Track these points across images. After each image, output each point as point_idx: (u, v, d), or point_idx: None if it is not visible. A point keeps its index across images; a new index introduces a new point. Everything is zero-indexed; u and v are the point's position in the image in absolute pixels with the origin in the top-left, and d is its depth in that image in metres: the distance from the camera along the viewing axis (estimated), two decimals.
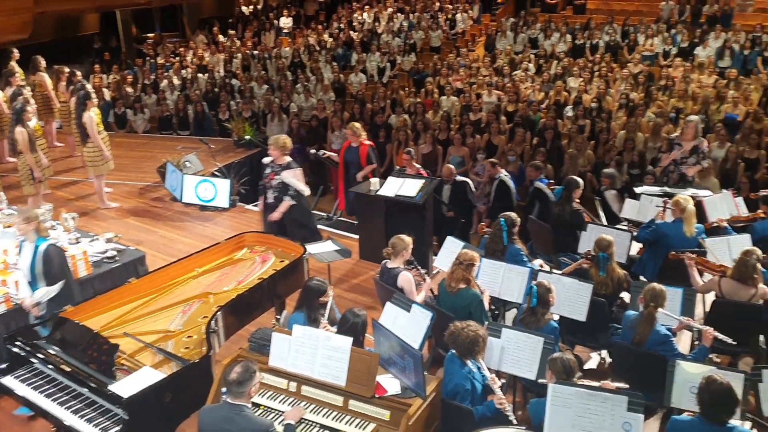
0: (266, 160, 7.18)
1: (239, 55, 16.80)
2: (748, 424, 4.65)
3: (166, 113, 13.33)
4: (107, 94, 14.00)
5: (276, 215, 7.07)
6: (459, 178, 8.87)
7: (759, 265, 5.30)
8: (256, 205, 8.16)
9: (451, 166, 8.97)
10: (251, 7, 21.58)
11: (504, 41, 16.79)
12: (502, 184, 8.69)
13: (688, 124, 8.11)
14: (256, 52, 17.18)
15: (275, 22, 19.96)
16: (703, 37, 14.81)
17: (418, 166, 8.57)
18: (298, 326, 4.39)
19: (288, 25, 19.97)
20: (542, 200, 8.03)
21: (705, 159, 8.14)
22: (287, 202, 6.99)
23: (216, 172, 9.90)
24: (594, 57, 15.00)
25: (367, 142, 8.75)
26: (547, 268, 6.72)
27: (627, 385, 4.33)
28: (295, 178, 7.03)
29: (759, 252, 5.32)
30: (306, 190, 7.17)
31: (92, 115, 8.69)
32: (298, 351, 4.32)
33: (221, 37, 18.74)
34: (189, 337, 4.87)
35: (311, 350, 4.28)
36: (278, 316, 5.68)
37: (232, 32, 18.91)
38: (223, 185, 9.33)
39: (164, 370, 4.38)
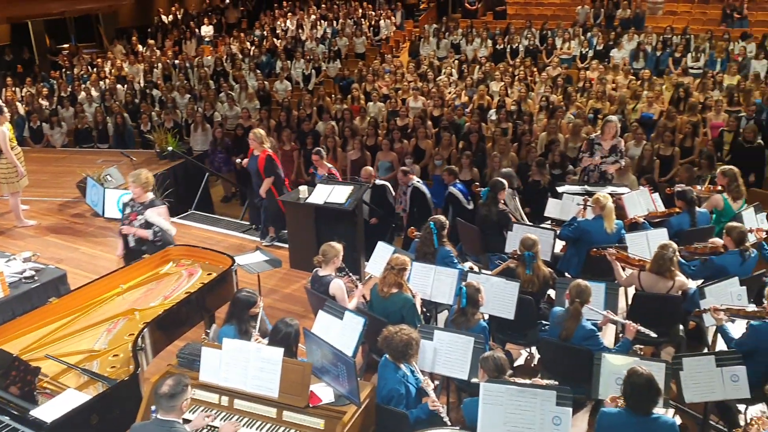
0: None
1: (160, 64, 16.45)
2: (671, 412, 4.86)
3: (85, 126, 12.88)
4: (21, 108, 13.45)
5: (130, 230, 6.25)
6: (379, 181, 8.92)
7: (675, 258, 5.53)
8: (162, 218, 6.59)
9: (370, 168, 8.94)
10: (171, 15, 21.12)
11: (427, 47, 17.03)
12: (417, 191, 8.83)
13: (608, 124, 8.34)
14: (177, 61, 16.85)
15: (196, 30, 19.63)
16: (618, 40, 15.45)
17: (329, 165, 8.60)
18: (228, 339, 4.33)
19: (209, 33, 19.68)
20: (455, 204, 8.20)
21: (623, 157, 8.45)
22: (145, 232, 6.20)
23: None
24: (514, 61, 15.39)
25: (268, 152, 8.17)
26: (476, 269, 6.84)
27: (556, 382, 4.43)
28: (160, 216, 6.29)
29: (675, 245, 5.54)
30: (172, 230, 6.45)
31: (4, 131, 8.32)
32: (229, 364, 4.25)
33: (140, 47, 18.31)
34: (115, 355, 4.72)
35: (242, 363, 4.22)
36: (208, 330, 5.56)
37: (151, 42, 18.47)
38: None
39: (90, 392, 4.24)
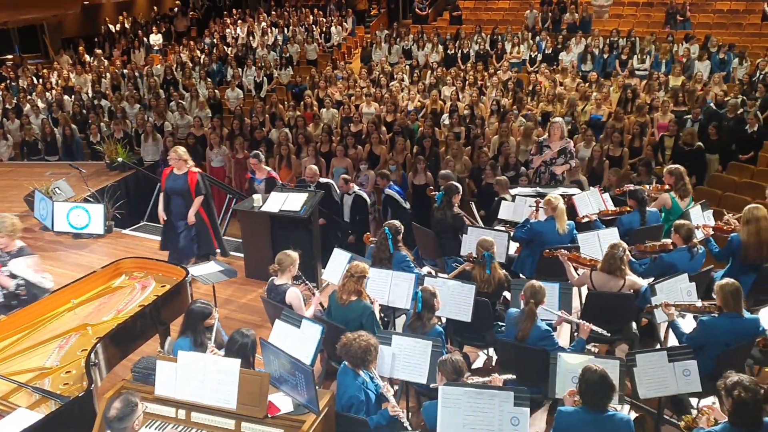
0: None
1: (108, 74, 16.17)
2: (626, 407, 4.96)
3: (32, 138, 12.55)
4: None
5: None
6: (322, 179, 8.90)
7: (626, 257, 5.65)
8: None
9: (314, 167, 8.85)
10: (118, 25, 20.75)
11: (379, 53, 17.10)
12: (359, 198, 8.87)
13: (553, 126, 8.50)
14: (126, 70, 16.60)
15: (145, 39, 19.33)
16: (566, 43, 15.74)
17: (268, 169, 8.49)
18: (183, 352, 4.26)
19: (158, 42, 19.43)
20: (393, 206, 8.26)
21: (572, 158, 8.60)
22: (7, 282, 5.56)
23: (88, 198, 9.46)
24: (465, 66, 15.56)
25: (195, 170, 7.62)
26: (433, 273, 6.87)
27: (514, 376, 4.49)
28: (28, 267, 5.62)
29: (625, 245, 5.65)
30: (46, 282, 5.71)
31: None
32: (185, 377, 4.18)
33: (87, 57, 17.96)
34: (68, 372, 4.61)
35: (199, 375, 4.16)
36: (163, 343, 5.47)
37: (99, 51, 18.15)
38: (97, 211, 8.89)
39: (42, 410, 4.15)
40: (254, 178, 8.49)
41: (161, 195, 7.73)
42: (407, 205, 8.76)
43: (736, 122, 10.66)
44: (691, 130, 9.96)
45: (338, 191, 8.99)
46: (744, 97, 11.45)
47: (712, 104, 11.38)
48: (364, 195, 8.92)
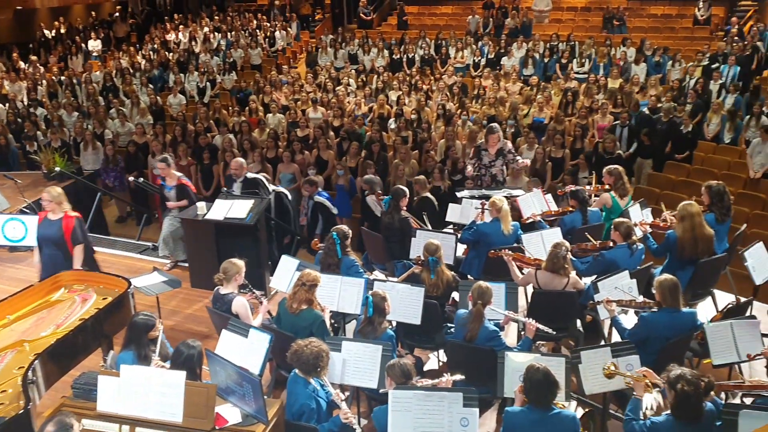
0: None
1: (44, 81, 15.67)
2: (573, 404, 5.05)
3: None
4: None
5: None
6: (250, 175, 8.65)
7: (569, 256, 5.76)
8: None
9: (240, 159, 8.59)
10: (54, 30, 20.15)
11: (325, 57, 17.07)
12: (280, 200, 8.78)
13: (490, 136, 8.50)
14: (63, 77, 16.12)
15: (83, 45, 18.84)
16: (507, 48, 15.99)
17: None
18: (126, 366, 4.15)
19: (97, 48, 18.97)
20: (323, 212, 8.24)
21: (516, 157, 8.71)
22: None
23: (25, 209, 9.12)
24: (411, 70, 15.64)
25: (73, 214, 6.67)
26: (383, 277, 6.88)
27: (463, 376, 4.52)
28: None
29: (567, 244, 5.77)
30: None
31: None
32: (129, 392, 4.08)
33: (22, 64, 17.36)
34: (3, 392, 4.42)
35: (143, 389, 4.05)
36: (105, 357, 5.32)
37: (34, 58, 17.56)
38: (34, 222, 8.59)
39: None
40: (164, 185, 8.00)
41: (35, 248, 6.78)
42: (335, 210, 8.85)
43: (669, 126, 10.98)
44: (612, 137, 10.08)
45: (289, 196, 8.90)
46: (675, 103, 11.75)
47: (645, 110, 11.64)
48: (286, 199, 8.77)
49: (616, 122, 11.14)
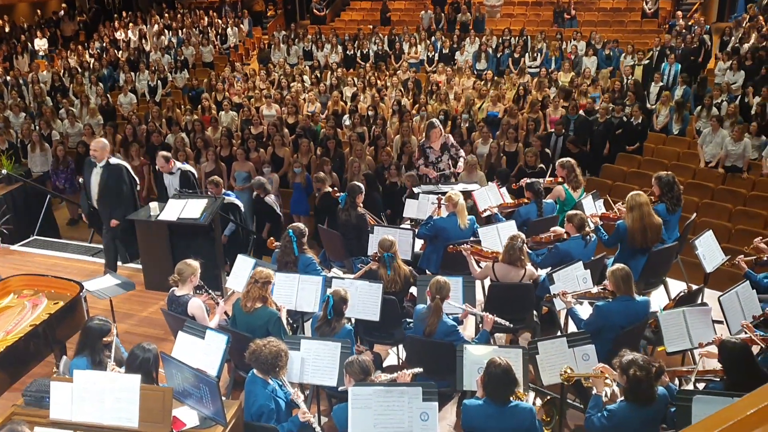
0: None
1: None
2: (532, 394, 5.11)
3: None
4: None
5: None
6: (179, 164, 8.51)
7: (525, 247, 5.83)
8: None
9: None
10: None
11: (278, 54, 16.92)
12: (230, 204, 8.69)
13: (432, 130, 8.52)
14: (8, 78, 15.66)
15: (29, 44, 18.32)
16: (460, 43, 16.08)
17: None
18: (79, 372, 4.05)
19: (44, 47, 18.50)
20: (234, 212, 8.16)
21: (459, 150, 8.73)
22: None
23: None
24: (365, 66, 15.62)
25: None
26: (341, 274, 6.85)
27: (421, 369, 4.54)
28: None
29: (523, 236, 5.83)
30: None
31: None
32: (83, 398, 3.98)
33: None
34: None
35: (97, 395, 3.96)
36: (58, 364, 5.18)
37: None
38: None
39: None
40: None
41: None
42: (280, 212, 8.88)
43: (605, 127, 11.11)
44: (534, 150, 9.61)
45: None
46: (612, 105, 11.79)
47: (582, 112, 11.45)
48: (235, 201, 8.60)
49: (551, 131, 11.08)
